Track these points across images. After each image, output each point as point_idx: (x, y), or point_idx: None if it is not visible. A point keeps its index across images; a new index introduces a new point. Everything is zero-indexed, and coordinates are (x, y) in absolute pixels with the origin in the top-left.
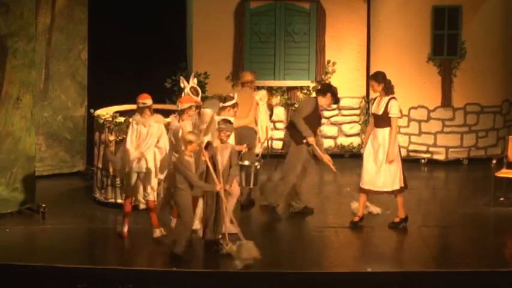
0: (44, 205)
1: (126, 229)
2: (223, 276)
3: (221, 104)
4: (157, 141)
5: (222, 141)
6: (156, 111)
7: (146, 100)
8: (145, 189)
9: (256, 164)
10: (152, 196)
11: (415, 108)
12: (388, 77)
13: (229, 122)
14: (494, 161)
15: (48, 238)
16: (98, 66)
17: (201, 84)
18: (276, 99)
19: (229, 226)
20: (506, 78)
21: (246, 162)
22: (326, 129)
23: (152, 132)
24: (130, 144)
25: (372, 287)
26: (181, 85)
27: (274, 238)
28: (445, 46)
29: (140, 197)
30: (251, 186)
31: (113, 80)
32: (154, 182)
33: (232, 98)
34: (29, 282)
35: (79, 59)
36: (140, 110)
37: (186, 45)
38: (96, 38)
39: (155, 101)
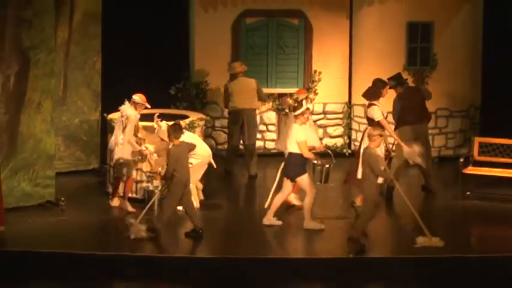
0: (62, 199)
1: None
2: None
3: (293, 114)
4: None
5: None
6: (162, 115)
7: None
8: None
9: (327, 164)
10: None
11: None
12: (362, 86)
13: None
14: (461, 160)
15: (67, 227)
16: (110, 75)
17: (202, 91)
18: (268, 105)
19: (311, 223)
20: (472, 86)
21: (318, 161)
22: None
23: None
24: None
25: (353, 270)
26: (155, 126)
27: (261, 228)
28: (418, 58)
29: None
30: (322, 183)
31: (123, 87)
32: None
33: (302, 106)
34: (49, 267)
35: (93, 69)
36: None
37: (188, 56)
38: (108, 51)
39: (161, 106)
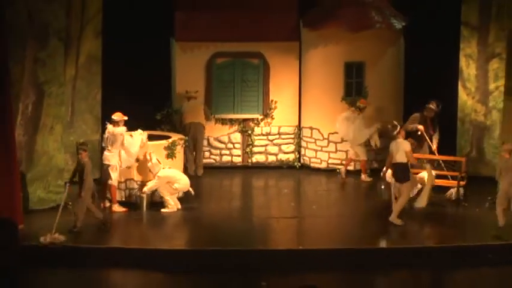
0: (70, 203)
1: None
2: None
3: (394, 132)
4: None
5: None
6: (150, 136)
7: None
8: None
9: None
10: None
11: (332, 134)
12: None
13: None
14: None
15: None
16: (108, 104)
17: (181, 117)
18: (234, 127)
19: (397, 219)
20: (396, 111)
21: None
22: (270, 148)
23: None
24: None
25: (302, 259)
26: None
27: (231, 224)
28: (353, 90)
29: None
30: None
31: None
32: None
33: (397, 126)
34: (59, 257)
35: (95, 99)
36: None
37: (171, 89)
38: (107, 85)
39: (149, 128)
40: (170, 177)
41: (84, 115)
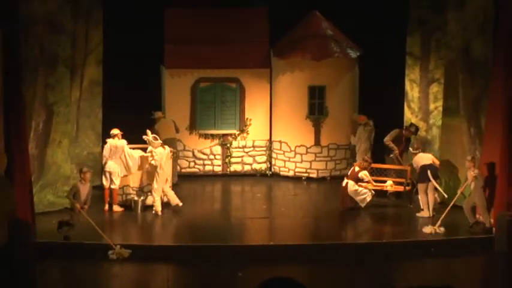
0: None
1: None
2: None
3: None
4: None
5: None
6: (142, 148)
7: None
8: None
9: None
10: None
11: (299, 146)
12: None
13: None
14: (345, 178)
15: (79, 224)
16: (108, 122)
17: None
18: (215, 141)
19: (426, 213)
20: (351, 128)
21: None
22: (246, 159)
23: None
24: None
25: (273, 254)
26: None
27: (212, 223)
28: (316, 109)
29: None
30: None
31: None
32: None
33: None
34: (67, 252)
35: (96, 118)
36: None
37: (161, 108)
38: (107, 105)
39: (144, 142)
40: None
41: (87, 131)
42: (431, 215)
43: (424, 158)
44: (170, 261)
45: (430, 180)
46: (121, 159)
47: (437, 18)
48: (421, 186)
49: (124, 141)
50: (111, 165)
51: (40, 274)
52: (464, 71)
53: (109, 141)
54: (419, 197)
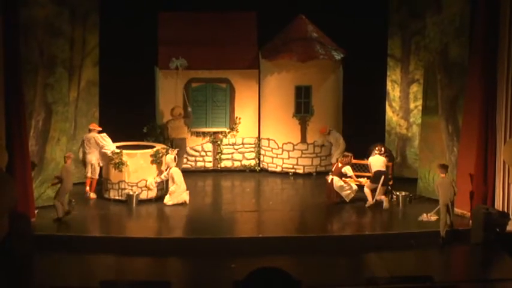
0: (73, 200)
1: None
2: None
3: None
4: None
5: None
6: (138, 146)
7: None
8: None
9: None
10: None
11: (286, 143)
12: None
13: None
14: (330, 173)
15: (76, 218)
16: (104, 121)
17: (163, 130)
18: (206, 138)
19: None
20: (336, 125)
21: None
22: (235, 155)
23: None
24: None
25: (261, 245)
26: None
27: (204, 216)
28: (302, 108)
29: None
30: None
31: (112, 128)
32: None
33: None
34: (64, 244)
35: (93, 117)
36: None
37: (155, 107)
38: (103, 105)
39: (137, 139)
40: (175, 178)
41: (84, 129)
42: (373, 201)
43: (378, 162)
44: (163, 254)
45: (379, 184)
46: (99, 150)
47: (416, 23)
48: (372, 185)
49: (93, 133)
50: (91, 158)
51: (38, 266)
52: (442, 72)
53: (87, 136)
54: (365, 190)
